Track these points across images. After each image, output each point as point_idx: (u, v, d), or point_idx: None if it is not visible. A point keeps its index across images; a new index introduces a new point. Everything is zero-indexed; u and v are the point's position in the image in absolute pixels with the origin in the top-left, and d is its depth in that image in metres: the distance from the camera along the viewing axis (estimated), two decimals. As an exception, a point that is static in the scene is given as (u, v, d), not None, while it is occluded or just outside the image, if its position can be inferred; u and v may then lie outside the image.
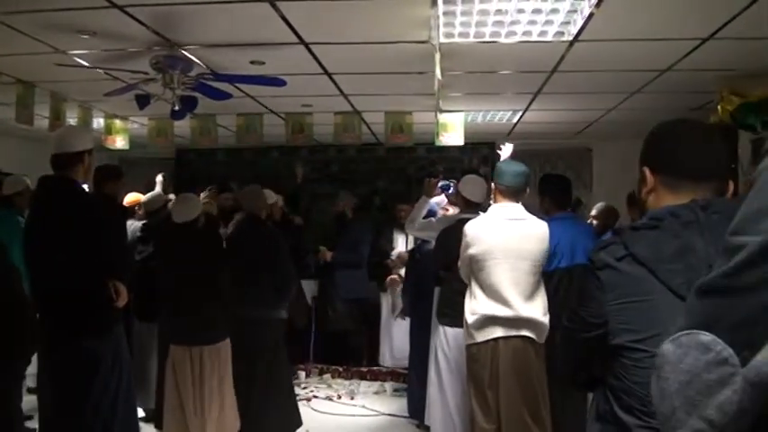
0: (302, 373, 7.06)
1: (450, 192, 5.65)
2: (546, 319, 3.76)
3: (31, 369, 4.15)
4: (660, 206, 1.68)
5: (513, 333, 3.68)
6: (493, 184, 3.93)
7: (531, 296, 3.73)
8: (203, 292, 4.32)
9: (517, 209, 3.82)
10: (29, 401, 4.47)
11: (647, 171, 1.76)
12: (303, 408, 5.97)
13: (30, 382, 5.07)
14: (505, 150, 5.34)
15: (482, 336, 3.70)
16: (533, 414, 3.69)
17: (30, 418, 4.61)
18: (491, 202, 4.66)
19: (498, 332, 3.68)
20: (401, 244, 7.33)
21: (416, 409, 5.38)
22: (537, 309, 3.74)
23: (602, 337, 1.65)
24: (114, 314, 3.54)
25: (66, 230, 3.37)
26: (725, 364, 0.87)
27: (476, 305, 3.74)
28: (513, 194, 3.83)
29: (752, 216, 0.90)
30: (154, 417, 5.20)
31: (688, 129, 1.77)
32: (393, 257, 7.15)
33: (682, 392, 0.91)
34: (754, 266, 0.87)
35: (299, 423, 5.09)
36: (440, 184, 5.49)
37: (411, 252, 5.94)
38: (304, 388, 6.66)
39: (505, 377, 3.66)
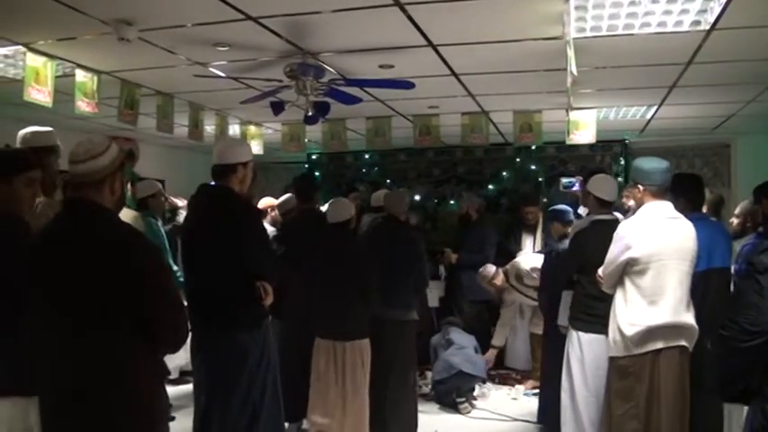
0: (429, 374, 7.06)
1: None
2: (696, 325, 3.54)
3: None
4: None
5: (673, 344, 3.46)
6: (640, 186, 3.65)
7: (688, 300, 3.52)
8: (348, 289, 4.41)
9: (671, 207, 3.63)
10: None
11: None
12: (430, 408, 6.02)
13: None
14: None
15: (641, 348, 3.46)
16: (683, 427, 3.49)
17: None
18: (626, 202, 4.43)
19: (659, 344, 3.44)
20: (529, 246, 7.21)
21: (548, 416, 5.25)
22: (691, 314, 3.52)
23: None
24: (262, 311, 3.70)
25: (221, 234, 3.56)
26: None
27: (635, 315, 3.48)
28: (663, 193, 3.63)
29: None
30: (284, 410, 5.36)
31: None
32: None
33: None
34: None
35: (416, 425, 5.14)
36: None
37: (547, 253, 5.78)
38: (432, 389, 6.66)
39: (667, 392, 3.44)
